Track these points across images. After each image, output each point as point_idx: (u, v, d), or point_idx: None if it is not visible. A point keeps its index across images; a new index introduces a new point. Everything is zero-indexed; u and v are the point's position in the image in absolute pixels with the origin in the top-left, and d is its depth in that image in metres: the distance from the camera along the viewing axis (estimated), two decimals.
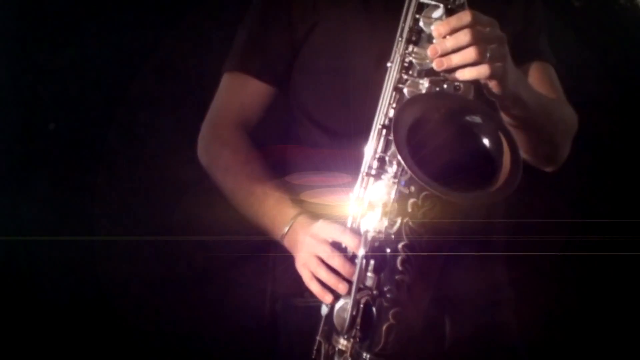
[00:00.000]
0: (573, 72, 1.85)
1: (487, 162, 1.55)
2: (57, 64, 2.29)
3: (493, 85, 1.60)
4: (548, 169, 1.85)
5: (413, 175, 1.50)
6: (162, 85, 2.35)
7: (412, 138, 1.53)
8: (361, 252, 1.59)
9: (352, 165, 1.71)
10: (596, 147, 2.27)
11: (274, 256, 1.88)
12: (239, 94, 1.94)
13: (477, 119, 1.56)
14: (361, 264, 1.59)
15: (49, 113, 2.32)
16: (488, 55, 1.56)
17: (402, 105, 1.58)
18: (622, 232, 1.95)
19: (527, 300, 1.86)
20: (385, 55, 1.78)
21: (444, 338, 1.77)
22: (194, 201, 2.05)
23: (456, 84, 1.63)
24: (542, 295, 2.19)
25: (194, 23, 2.33)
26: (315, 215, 1.77)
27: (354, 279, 1.60)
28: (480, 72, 1.56)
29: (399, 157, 1.51)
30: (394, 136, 1.52)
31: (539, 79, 1.83)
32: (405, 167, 1.50)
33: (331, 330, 1.69)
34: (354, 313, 1.61)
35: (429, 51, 1.60)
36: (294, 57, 1.91)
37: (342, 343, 1.67)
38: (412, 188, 1.56)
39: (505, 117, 1.69)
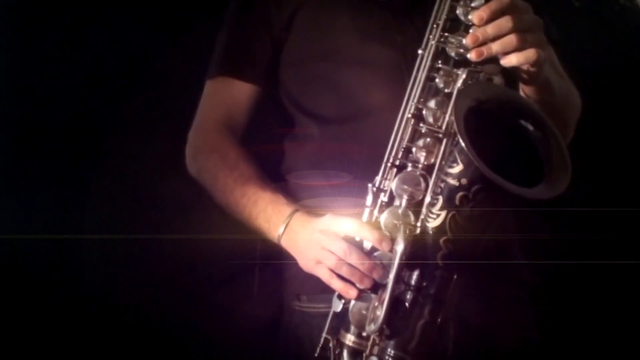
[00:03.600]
0: (572, 71, 1.88)
1: (537, 158, 1.54)
2: (53, 63, 2.18)
3: (532, 71, 1.57)
4: None
5: (479, 166, 1.45)
6: (159, 85, 2.24)
7: (470, 129, 1.48)
8: (400, 246, 1.52)
9: (347, 157, 1.68)
10: (596, 147, 2.32)
11: (270, 258, 1.79)
12: (222, 97, 1.87)
13: (526, 117, 1.55)
14: (401, 258, 1.52)
15: (44, 112, 2.19)
16: (528, 41, 1.54)
17: (458, 93, 1.53)
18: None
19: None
20: (371, 35, 1.74)
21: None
22: (191, 200, 1.92)
23: (488, 75, 1.61)
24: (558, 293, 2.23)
25: (191, 25, 2.25)
26: (311, 212, 1.69)
27: (391, 275, 1.52)
28: (528, 56, 1.53)
29: (464, 147, 1.45)
30: (457, 126, 1.46)
31: None
32: (472, 157, 1.45)
33: (339, 326, 1.61)
34: (387, 309, 1.53)
35: (469, 39, 1.56)
36: (278, 51, 1.82)
37: (353, 340, 1.59)
38: (464, 180, 1.51)
39: None
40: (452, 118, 1.49)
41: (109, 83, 2.22)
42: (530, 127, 1.55)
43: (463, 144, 1.45)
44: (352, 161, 1.73)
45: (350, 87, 1.76)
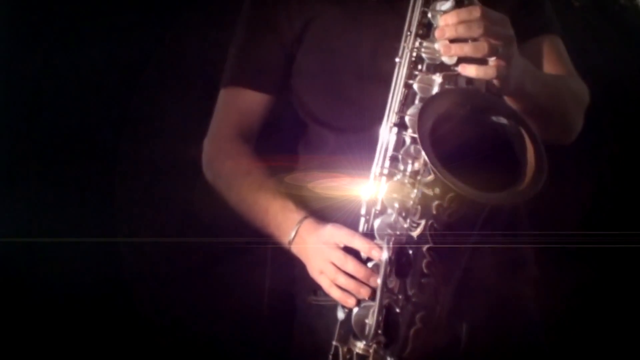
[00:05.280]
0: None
1: (512, 161, 1.52)
2: (57, 63, 2.21)
3: (496, 83, 1.56)
4: (564, 143, 1.84)
5: (442, 179, 1.46)
6: (163, 85, 2.28)
7: (436, 138, 1.49)
8: (385, 255, 1.55)
9: (360, 165, 1.67)
10: (596, 147, 2.26)
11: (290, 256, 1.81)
12: (235, 107, 1.92)
13: (499, 117, 1.53)
14: (385, 267, 1.55)
15: (48, 113, 2.25)
16: (499, 52, 1.53)
17: (424, 103, 1.53)
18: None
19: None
20: (380, 46, 1.75)
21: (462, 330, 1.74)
22: (196, 200, 2.00)
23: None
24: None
25: (196, 21, 2.27)
26: (321, 218, 1.72)
27: (379, 283, 1.56)
28: (487, 72, 1.53)
29: (427, 160, 1.46)
30: (420, 137, 1.48)
31: (546, 54, 1.80)
32: (434, 170, 1.46)
33: (348, 334, 1.65)
34: (380, 318, 1.57)
35: (436, 33, 1.55)
36: (290, 61, 1.86)
37: (361, 347, 1.63)
38: (437, 190, 1.52)
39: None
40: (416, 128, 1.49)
41: (117, 90, 2.25)
42: (506, 130, 1.54)
43: (424, 154, 1.46)
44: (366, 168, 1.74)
45: (364, 98, 1.77)
